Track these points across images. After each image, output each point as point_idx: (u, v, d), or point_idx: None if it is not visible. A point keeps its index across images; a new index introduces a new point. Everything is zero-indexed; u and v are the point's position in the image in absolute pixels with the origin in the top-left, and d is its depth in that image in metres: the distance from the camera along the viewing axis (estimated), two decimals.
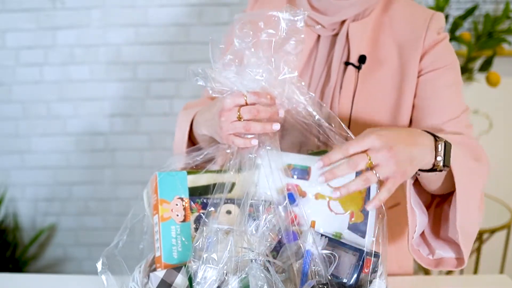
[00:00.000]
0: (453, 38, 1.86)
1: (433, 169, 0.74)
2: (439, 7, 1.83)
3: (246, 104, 0.74)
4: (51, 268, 2.20)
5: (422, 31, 0.89)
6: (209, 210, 0.79)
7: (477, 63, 1.92)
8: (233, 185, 0.82)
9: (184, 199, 0.78)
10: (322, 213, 0.80)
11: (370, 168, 0.68)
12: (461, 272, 2.09)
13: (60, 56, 1.96)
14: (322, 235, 0.73)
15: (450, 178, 0.77)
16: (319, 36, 0.94)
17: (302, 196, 0.81)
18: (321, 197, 0.80)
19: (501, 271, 2.02)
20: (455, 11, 1.92)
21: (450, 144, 0.74)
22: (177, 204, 0.77)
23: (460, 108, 0.89)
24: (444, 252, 0.83)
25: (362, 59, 0.90)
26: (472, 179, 0.79)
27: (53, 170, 2.09)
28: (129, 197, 2.05)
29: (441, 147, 0.73)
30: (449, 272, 1.99)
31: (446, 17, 1.84)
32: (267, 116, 0.74)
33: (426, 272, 2.13)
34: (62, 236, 2.18)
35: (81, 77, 1.99)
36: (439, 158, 0.73)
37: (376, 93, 0.91)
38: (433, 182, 0.81)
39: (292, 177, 0.81)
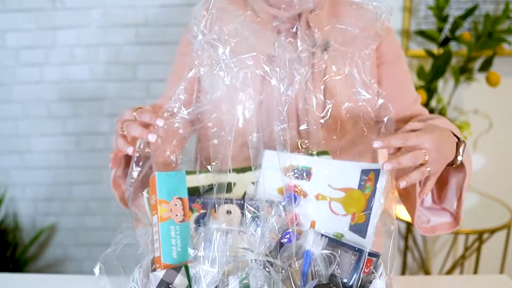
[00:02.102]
0: (453, 38, 1.86)
1: (449, 164, 0.85)
2: (439, 7, 1.83)
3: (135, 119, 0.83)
4: (51, 268, 2.20)
5: (373, 20, 1.00)
6: (209, 210, 0.79)
7: (477, 63, 1.92)
8: (233, 185, 0.82)
9: (183, 199, 0.78)
10: (323, 214, 0.80)
11: (421, 164, 0.76)
12: (461, 272, 2.09)
13: (60, 56, 1.96)
14: (322, 235, 0.73)
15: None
16: (277, 32, 0.98)
17: (303, 196, 0.81)
18: (322, 198, 0.80)
19: (501, 271, 2.02)
20: (455, 11, 1.93)
21: (465, 144, 0.85)
22: (176, 204, 0.77)
23: (415, 93, 1.05)
24: (439, 218, 0.96)
25: (326, 44, 0.96)
26: (470, 163, 0.91)
27: (53, 170, 2.09)
28: None
29: (462, 149, 0.84)
30: (449, 272, 1.99)
31: (446, 17, 1.84)
32: (136, 134, 0.81)
33: (426, 272, 2.14)
34: (62, 236, 2.18)
35: (81, 77, 1.99)
36: (459, 158, 0.84)
37: (344, 73, 0.97)
38: None
39: (293, 177, 0.81)
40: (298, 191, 0.81)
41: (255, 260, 0.67)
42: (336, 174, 0.81)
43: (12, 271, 1.96)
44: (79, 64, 1.97)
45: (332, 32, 0.98)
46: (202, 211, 0.79)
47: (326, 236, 0.73)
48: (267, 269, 0.67)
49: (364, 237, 0.75)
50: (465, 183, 0.90)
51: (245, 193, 0.83)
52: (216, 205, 0.79)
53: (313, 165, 0.82)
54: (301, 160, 0.81)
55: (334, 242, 0.74)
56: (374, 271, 0.72)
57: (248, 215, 0.74)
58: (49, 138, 2.06)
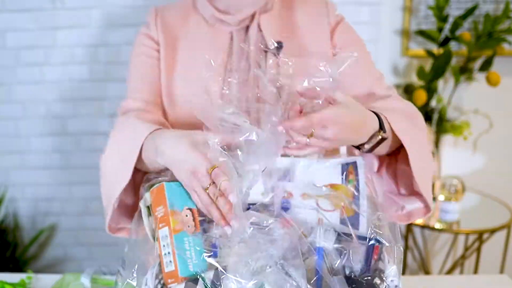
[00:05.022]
0: (453, 38, 1.86)
1: (380, 141, 0.83)
2: (439, 7, 1.83)
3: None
4: (51, 268, 2.20)
5: (324, 13, 1.02)
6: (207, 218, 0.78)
7: (477, 63, 1.92)
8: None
9: (193, 209, 0.75)
10: (313, 212, 0.80)
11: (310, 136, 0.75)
12: (461, 272, 2.09)
13: (60, 56, 1.96)
14: (331, 230, 0.74)
15: (395, 140, 0.87)
16: (230, 38, 0.99)
17: (288, 197, 0.81)
18: (308, 197, 0.81)
19: (501, 271, 2.02)
20: (455, 11, 1.93)
21: (384, 117, 0.84)
22: (187, 215, 0.74)
23: (377, 72, 1.02)
24: (412, 205, 0.94)
25: (279, 45, 0.95)
26: (416, 136, 0.89)
27: (53, 170, 2.09)
28: None
29: (382, 121, 0.83)
30: (449, 272, 1.99)
31: (446, 17, 1.84)
32: (225, 209, 0.72)
33: (426, 272, 2.14)
34: (62, 236, 2.18)
35: (81, 77, 1.99)
36: (383, 134, 0.82)
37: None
38: (383, 149, 0.90)
39: (277, 179, 0.81)
40: (285, 194, 0.81)
41: (274, 263, 0.66)
42: (318, 172, 0.82)
43: (12, 271, 1.97)
44: (79, 64, 1.97)
45: (285, 32, 0.99)
46: (200, 218, 0.76)
47: (334, 230, 0.74)
48: (284, 271, 0.67)
49: (358, 229, 0.77)
50: (411, 163, 0.86)
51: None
52: None
53: (294, 165, 0.82)
54: (283, 161, 0.82)
55: (341, 236, 0.75)
56: (380, 258, 0.74)
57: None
58: (49, 138, 2.06)
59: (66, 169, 2.09)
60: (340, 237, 0.74)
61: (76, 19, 1.92)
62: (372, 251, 0.72)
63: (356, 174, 0.79)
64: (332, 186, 0.80)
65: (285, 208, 0.78)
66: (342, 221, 0.78)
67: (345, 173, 0.80)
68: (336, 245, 0.72)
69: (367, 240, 0.73)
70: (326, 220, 0.78)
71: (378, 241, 0.74)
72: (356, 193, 0.78)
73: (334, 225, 0.78)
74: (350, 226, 0.77)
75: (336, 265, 0.71)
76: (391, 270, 0.71)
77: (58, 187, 2.11)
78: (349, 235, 0.74)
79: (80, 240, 2.18)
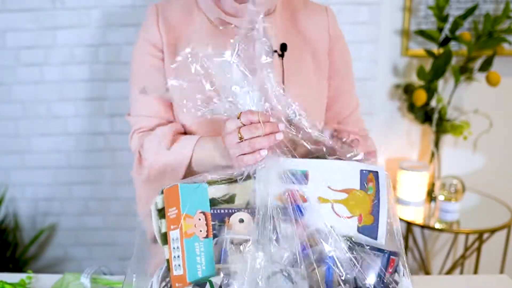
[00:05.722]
0: (453, 38, 1.86)
1: None
2: (439, 7, 1.83)
3: (243, 125, 0.77)
4: (51, 268, 2.20)
5: (324, 20, 1.04)
6: (223, 220, 0.76)
7: (477, 63, 1.92)
8: (234, 196, 0.80)
9: (206, 213, 0.74)
10: (328, 217, 0.77)
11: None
12: (461, 272, 2.09)
13: (60, 56, 1.96)
14: (343, 239, 0.71)
15: None
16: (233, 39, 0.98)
17: (303, 201, 0.78)
18: (324, 201, 0.78)
19: (501, 271, 2.02)
20: (455, 10, 1.93)
21: None
22: (199, 219, 0.73)
23: (356, 100, 1.11)
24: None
25: (283, 47, 0.98)
26: None
27: (53, 170, 2.09)
28: (129, 197, 2.05)
29: None
30: (449, 272, 1.99)
31: (446, 16, 1.84)
32: (267, 131, 0.76)
33: (426, 272, 2.14)
34: (62, 236, 2.18)
35: (81, 77, 1.99)
36: None
37: (301, 76, 1.00)
38: None
39: (291, 182, 0.79)
40: (298, 196, 0.78)
41: (280, 270, 0.65)
42: (334, 175, 0.78)
43: (12, 271, 1.96)
44: (79, 64, 1.97)
45: (287, 35, 1.00)
46: (213, 222, 0.75)
47: (347, 239, 0.71)
48: (290, 278, 0.65)
49: (376, 239, 0.74)
50: None
51: (248, 202, 0.80)
52: (227, 215, 0.77)
53: (308, 168, 0.79)
54: (297, 164, 0.79)
55: (354, 245, 0.72)
56: (395, 271, 0.71)
57: (259, 224, 0.71)
58: (49, 138, 2.05)
59: (66, 169, 2.09)
60: (355, 246, 0.71)
61: (76, 19, 1.92)
62: (388, 264, 0.69)
63: (377, 183, 0.75)
64: (349, 191, 0.77)
65: (299, 213, 0.75)
66: (360, 230, 0.75)
67: (364, 179, 0.77)
68: (349, 255, 0.69)
69: (384, 252, 0.70)
70: (341, 227, 0.76)
71: (395, 253, 0.71)
72: (375, 202, 0.75)
73: (349, 233, 0.75)
74: (367, 236, 0.74)
75: (348, 276, 0.68)
76: (405, 283, 0.69)
77: (58, 187, 2.11)
78: (364, 244, 0.71)
79: (80, 240, 2.18)
